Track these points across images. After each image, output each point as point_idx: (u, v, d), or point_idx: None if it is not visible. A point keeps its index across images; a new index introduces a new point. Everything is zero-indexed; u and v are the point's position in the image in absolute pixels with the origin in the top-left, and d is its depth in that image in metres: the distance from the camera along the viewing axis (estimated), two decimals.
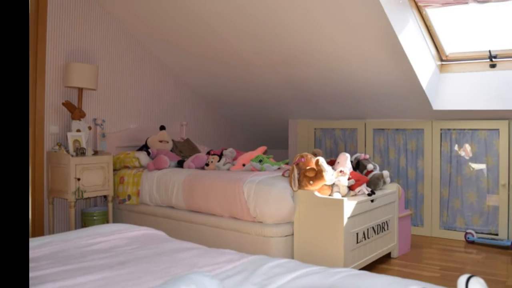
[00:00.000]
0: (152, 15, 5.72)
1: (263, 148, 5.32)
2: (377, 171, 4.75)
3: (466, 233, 5.40)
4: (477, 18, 5.32)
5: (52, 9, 5.21)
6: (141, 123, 6.31)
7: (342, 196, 4.16)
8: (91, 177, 4.97)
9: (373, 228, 4.37)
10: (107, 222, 5.24)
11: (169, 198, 4.96)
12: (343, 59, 5.44)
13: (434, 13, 5.25)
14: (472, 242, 5.35)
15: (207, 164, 5.29)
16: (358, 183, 4.39)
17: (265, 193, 4.16)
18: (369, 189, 4.44)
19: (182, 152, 5.94)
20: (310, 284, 2.18)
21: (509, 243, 5.02)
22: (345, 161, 4.52)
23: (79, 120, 5.20)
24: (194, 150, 6.12)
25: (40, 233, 5.08)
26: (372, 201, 4.35)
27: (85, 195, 4.94)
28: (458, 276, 1.86)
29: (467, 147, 5.55)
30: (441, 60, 5.68)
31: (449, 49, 5.60)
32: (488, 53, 5.29)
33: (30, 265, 2.38)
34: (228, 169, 5.13)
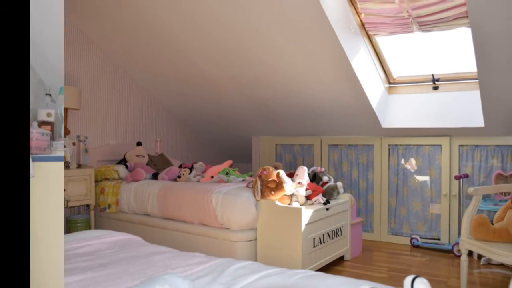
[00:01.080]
0: (130, 43, 5.74)
1: (229, 162, 5.34)
2: (331, 183, 4.76)
3: (412, 238, 5.43)
4: (421, 45, 5.40)
5: None
6: (120, 140, 6.29)
7: (300, 205, 4.17)
8: (75, 188, 4.94)
9: (328, 233, 4.40)
10: (90, 228, 5.20)
11: (145, 207, 4.95)
12: (301, 82, 5.46)
13: (382, 41, 5.31)
14: (417, 246, 5.38)
15: (179, 176, 5.30)
16: (314, 193, 4.40)
17: (231, 202, 4.18)
18: (325, 199, 4.44)
19: (157, 166, 5.94)
20: (272, 284, 2.21)
21: (450, 247, 5.06)
22: (303, 174, 4.54)
23: (64, 136, 5.19)
24: (167, 163, 6.12)
25: None
26: (327, 209, 4.37)
27: (70, 204, 4.90)
28: (404, 277, 1.90)
29: (413, 161, 5.62)
30: (389, 83, 5.71)
31: (396, 73, 5.64)
32: (431, 77, 5.35)
33: None
34: (198, 181, 5.14)
